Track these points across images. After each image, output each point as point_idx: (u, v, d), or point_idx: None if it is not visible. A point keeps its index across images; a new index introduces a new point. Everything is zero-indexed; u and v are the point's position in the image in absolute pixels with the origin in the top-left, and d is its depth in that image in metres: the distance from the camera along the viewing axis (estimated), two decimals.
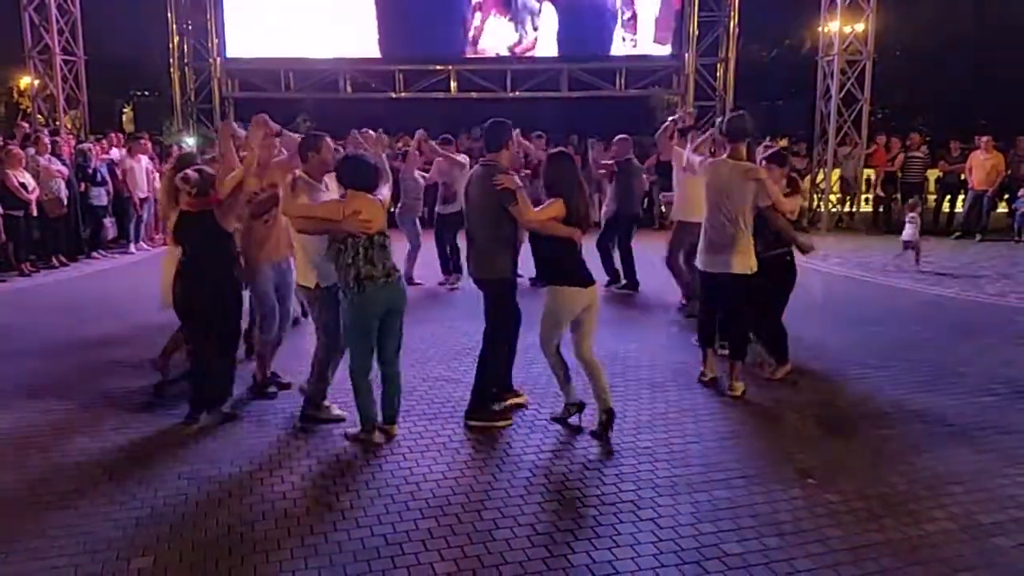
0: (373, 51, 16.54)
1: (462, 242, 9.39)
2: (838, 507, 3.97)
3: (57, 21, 14.00)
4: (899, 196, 14.93)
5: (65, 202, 10.71)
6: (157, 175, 11.72)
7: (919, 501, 4.04)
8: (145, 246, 12.41)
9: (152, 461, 4.50)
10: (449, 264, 9.59)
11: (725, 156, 5.63)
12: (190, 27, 16.91)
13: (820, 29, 14.86)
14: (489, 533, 3.72)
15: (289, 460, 4.54)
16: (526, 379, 5.74)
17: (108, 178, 11.80)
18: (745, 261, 5.49)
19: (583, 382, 5.01)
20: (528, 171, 10.77)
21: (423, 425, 5.05)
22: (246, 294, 5.43)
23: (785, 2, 19.51)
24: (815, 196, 15.10)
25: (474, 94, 17.19)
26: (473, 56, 16.69)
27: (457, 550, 3.57)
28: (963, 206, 13.93)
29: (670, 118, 8.22)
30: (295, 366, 5.75)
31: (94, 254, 11.62)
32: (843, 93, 14.36)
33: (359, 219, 4.48)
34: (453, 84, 17.06)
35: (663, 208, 11.76)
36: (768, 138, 13.34)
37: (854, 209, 15.41)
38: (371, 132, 6.32)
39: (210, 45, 16.77)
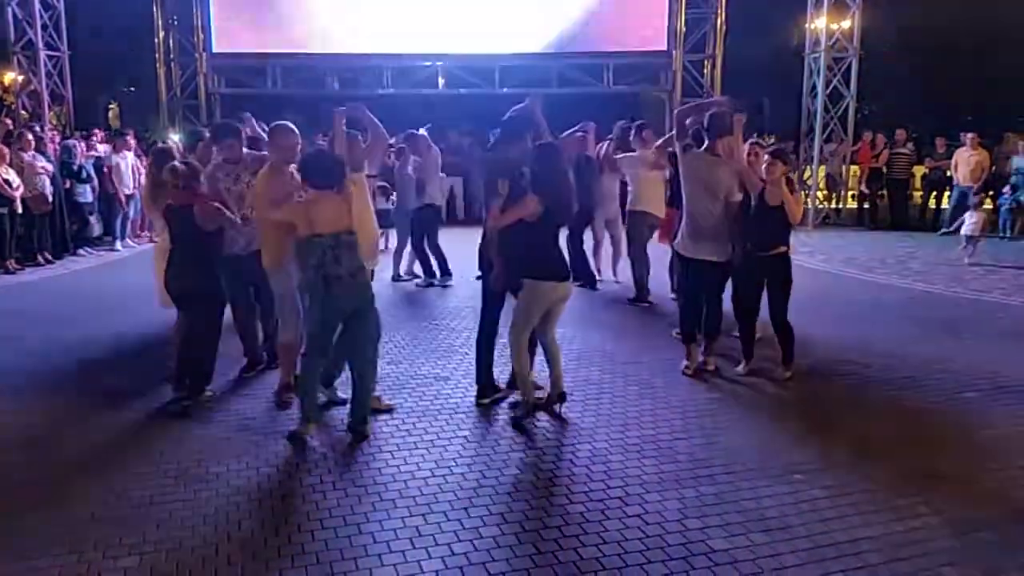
0: (361, 47, 16.48)
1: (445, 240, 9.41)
2: (824, 503, 4.00)
3: (41, 16, 13.85)
4: (885, 193, 15.05)
5: (50, 199, 10.60)
6: (143, 171, 11.65)
7: (904, 496, 4.07)
8: (131, 243, 12.35)
9: (138, 460, 4.48)
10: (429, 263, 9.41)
11: (703, 149, 5.98)
12: (176, 22, 16.77)
13: (807, 26, 14.92)
14: (477, 531, 3.73)
15: (276, 459, 4.52)
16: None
17: (94, 175, 11.73)
18: (723, 249, 5.84)
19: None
20: None
21: (411, 423, 5.05)
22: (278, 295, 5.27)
23: None
24: (802, 193, 15.16)
25: (462, 90, 17.16)
26: (461, 53, 16.65)
27: (445, 548, 3.57)
28: (948, 202, 14.02)
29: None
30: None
31: (80, 251, 11.53)
32: (829, 90, 14.42)
33: (323, 219, 4.45)
34: (441, 80, 17.02)
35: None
36: (755, 135, 13.39)
37: (840, 206, 15.51)
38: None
39: (196, 40, 16.64)
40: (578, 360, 6.31)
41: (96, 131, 13.82)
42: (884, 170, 14.60)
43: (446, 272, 9.37)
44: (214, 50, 16.57)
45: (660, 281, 8.41)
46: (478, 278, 6.10)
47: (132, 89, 21.91)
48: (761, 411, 5.36)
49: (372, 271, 5.20)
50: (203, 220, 5.01)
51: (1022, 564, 3.51)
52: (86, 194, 11.59)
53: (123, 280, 9.54)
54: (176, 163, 5.10)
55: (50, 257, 10.87)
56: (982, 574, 3.43)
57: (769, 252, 5.71)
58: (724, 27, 16.88)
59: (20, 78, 14.34)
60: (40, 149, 10.89)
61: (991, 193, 13.85)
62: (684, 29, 16.76)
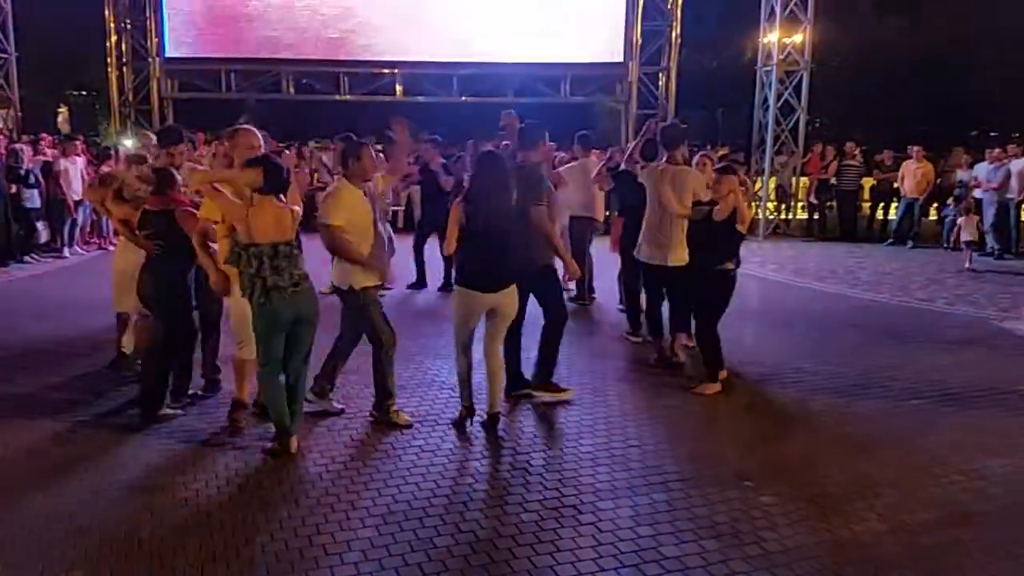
0: (317, 51, 16.39)
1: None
2: (774, 509, 4.07)
3: None
4: (834, 204, 15.36)
5: None
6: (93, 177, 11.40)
7: (850, 502, 4.16)
8: (79, 250, 12.05)
9: (87, 473, 4.36)
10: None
11: (663, 161, 6.48)
12: (128, 26, 16.51)
13: (760, 40, 15.18)
14: (431, 540, 3.71)
15: (226, 471, 4.45)
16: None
17: (42, 180, 11.44)
18: (680, 255, 6.21)
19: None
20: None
21: (364, 434, 5.01)
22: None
23: (726, 13, 19.90)
24: (753, 204, 15.41)
25: (421, 98, 17.15)
26: (418, 60, 16.64)
27: (399, 559, 3.55)
28: (896, 213, 14.37)
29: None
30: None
31: (26, 258, 11.21)
32: (781, 103, 14.68)
33: (262, 227, 4.37)
34: (399, 87, 16.99)
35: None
36: (708, 146, 13.58)
37: (790, 216, 15.80)
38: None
39: (149, 44, 16.40)
40: (530, 369, 6.27)
41: (44, 135, 13.50)
42: (833, 181, 14.91)
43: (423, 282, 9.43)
44: (167, 54, 16.35)
45: (611, 292, 8.45)
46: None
47: (83, 93, 21.44)
48: (713, 419, 5.43)
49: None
50: (185, 224, 4.96)
51: (965, 569, 3.60)
52: (33, 199, 11.29)
53: (71, 287, 9.32)
54: (145, 167, 5.16)
55: None
56: None
57: (715, 268, 5.78)
58: (679, 40, 17.19)
59: None
60: None
61: (935, 205, 14.22)
62: (640, 41, 17.02)
